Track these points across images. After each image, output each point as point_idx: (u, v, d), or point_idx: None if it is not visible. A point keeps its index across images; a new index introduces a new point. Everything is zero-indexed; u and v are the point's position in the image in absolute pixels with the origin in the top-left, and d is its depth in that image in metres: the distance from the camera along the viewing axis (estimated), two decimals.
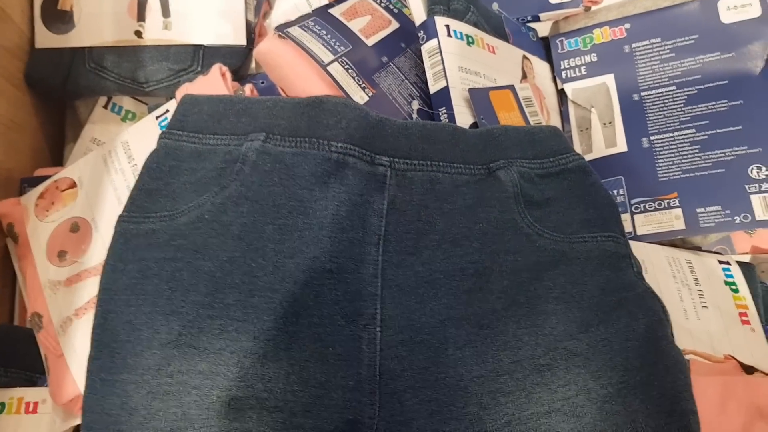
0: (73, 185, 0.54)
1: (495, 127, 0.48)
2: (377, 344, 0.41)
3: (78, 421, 0.50)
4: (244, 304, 0.40)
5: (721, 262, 0.58)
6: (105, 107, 0.64)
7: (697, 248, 0.61)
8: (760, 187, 0.56)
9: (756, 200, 0.55)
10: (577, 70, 0.65)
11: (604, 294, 0.43)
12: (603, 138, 0.62)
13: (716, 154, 0.58)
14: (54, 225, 0.53)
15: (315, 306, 0.41)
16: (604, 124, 0.63)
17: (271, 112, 0.44)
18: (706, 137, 0.59)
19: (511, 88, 0.58)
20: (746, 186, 0.56)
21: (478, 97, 0.55)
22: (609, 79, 0.64)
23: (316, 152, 0.43)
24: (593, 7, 0.67)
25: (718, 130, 0.58)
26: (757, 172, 0.56)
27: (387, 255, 0.43)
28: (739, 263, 0.58)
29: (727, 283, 0.56)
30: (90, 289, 0.50)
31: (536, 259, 0.44)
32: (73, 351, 0.49)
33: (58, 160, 0.66)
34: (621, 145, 0.61)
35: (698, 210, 0.57)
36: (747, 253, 0.62)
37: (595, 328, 0.41)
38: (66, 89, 0.61)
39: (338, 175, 0.43)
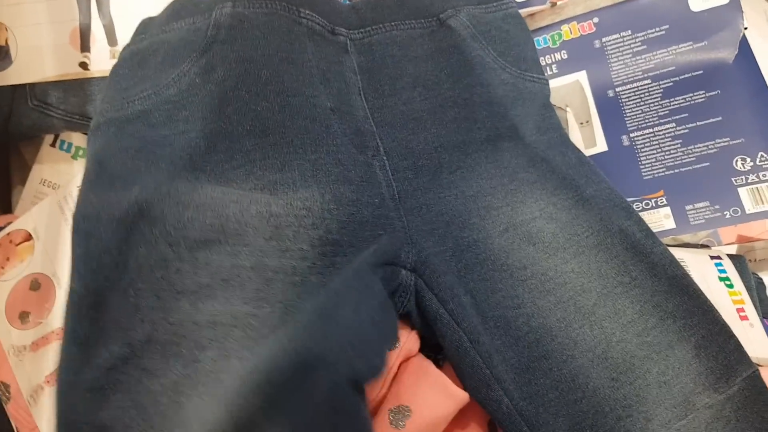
0: (29, 237, 0.50)
1: None
2: (388, 170, 0.46)
3: None
4: (261, 144, 0.42)
5: (712, 257, 0.57)
6: (53, 145, 0.60)
7: (686, 244, 0.60)
8: (747, 179, 0.55)
9: (744, 193, 0.55)
10: (548, 68, 0.63)
11: (540, 133, 0.51)
12: (582, 139, 0.61)
13: (699, 147, 0.57)
14: (11, 283, 0.49)
15: (328, 137, 0.44)
16: (581, 123, 0.61)
17: None
18: (687, 131, 0.58)
19: None
20: (732, 179, 0.55)
21: None
22: (581, 76, 0.62)
23: (287, 15, 0.46)
24: (559, 2, 0.65)
25: (699, 123, 0.58)
26: (742, 164, 0.55)
27: (370, 102, 0.48)
28: (730, 256, 0.58)
29: (721, 279, 0.56)
30: (58, 353, 0.46)
31: (503, 93, 0.51)
32: (46, 423, 0.45)
33: (6, 207, 0.61)
34: (601, 145, 0.60)
35: (687, 207, 0.56)
36: (733, 243, 0.62)
37: (540, 162, 0.49)
38: (9, 130, 0.56)
39: (311, 37, 0.47)
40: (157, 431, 0.34)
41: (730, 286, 0.55)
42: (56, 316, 0.47)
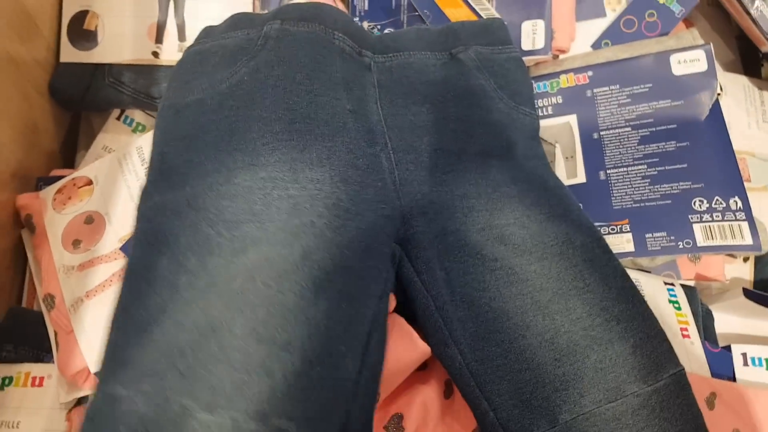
0: (90, 183, 0.60)
1: (455, 23, 0.65)
2: (393, 161, 0.55)
3: (81, 394, 0.55)
4: (288, 129, 0.51)
5: (666, 283, 0.65)
6: (118, 119, 0.71)
7: (647, 271, 0.68)
8: (702, 217, 0.63)
9: (697, 228, 0.63)
10: (544, 110, 0.73)
11: (526, 159, 0.59)
12: (565, 170, 0.70)
13: (664, 187, 0.65)
14: (70, 217, 0.58)
15: (344, 130, 0.53)
16: (567, 158, 0.70)
17: (281, 10, 0.57)
18: (656, 172, 0.66)
19: None
20: (689, 216, 0.63)
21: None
22: (572, 119, 0.72)
23: (323, 35, 0.56)
24: (561, 56, 0.76)
25: (667, 167, 0.66)
26: (699, 204, 0.64)
27: (384, 110, 0.57)
28: (683, 286, 0.65)
29: (670, 301, 0.63)
30: (101, 274, 0.55)
31: (498, 118, 0.60)
32: (82, 328, 0.53)
33: (70, 165, 0.71)
34: (581, 177, 0.69)
35: (647, 235, 0.64)
36: (691, 280, 0.69)
37: (522, 182, 0.57)
38: (85, 100, 0.68)
39: (341, 54, 0.56)
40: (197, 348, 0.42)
41: (678, 308, 0.63)
42: (102, 246, 0.57)
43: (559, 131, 0.72)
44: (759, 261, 0.73)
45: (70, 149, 0.72)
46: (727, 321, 0.67)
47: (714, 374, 0.60)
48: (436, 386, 0.53)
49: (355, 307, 0.47)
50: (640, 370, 0.51)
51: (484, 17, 0.72)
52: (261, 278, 0.44)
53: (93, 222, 0.58)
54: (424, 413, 0.52)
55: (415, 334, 0.52)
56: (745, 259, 0.74)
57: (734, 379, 0.61)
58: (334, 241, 0.48)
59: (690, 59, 0.70)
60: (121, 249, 0.56)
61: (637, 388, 0.50)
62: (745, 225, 0.62)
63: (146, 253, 0.47)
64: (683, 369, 0.51)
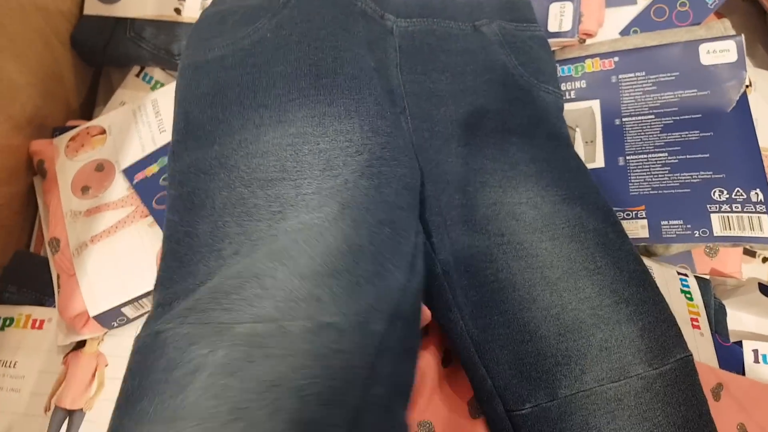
0: (103, 132, 0.60)
1: None
2: (410, 124, 0.55)
3: (79, 338, 0.54)
4: (315, 84, 0.50)
5: (679, 273, 0.63)
6: (137, 75, 0.71)
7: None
8: (720, 207, 0.61)
9: (715, 218, 0.61)
10: (567, 93, 0.72)
11: (548, 138, 0.58)
12: (584, 155, 0.68)
13: (684, 176, 0.64)
14: (81, 164, 0.58)
15: (371, 84, 0.52)
16: (586, 142, 0.69)
17: None
18: (676, 161, 0.65)
19: None
20: (708, 205, 0.62)
21: None
22: (595, 104, 0.70)
23: None
24: (587, 41, 0.74)
25: (688, 156, 0.64)
26: (719, 194, 0.62)
27: (404, 75, 0.57)
28: (696, 277, 0.64)
29: (683, 291, 0.61)
30: (107, 220, 0.55)
31: (517, 95, 0.59)
32: (84, 272, 0.53)
33: (88, 118, 0.72)
34: (599, 162, 0.67)
35: (662, 222, 0.62)
36: (707, 274, 0.67)
37: (541, 161, 0.56)
38: (105, 53, 0.68)
39: (363, 16, 0.57)
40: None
41: (690, 298, 0.61)
42: (110, 193, 0.57)
43: (581, 116, 0.71)
44: None
45: (88, 103, 0.72)
46: (740, 318, 0.66)
47: (723, 368, 0.59)
48: (435, 354, 0.52)
49: (398, 233, 0.47)
50: (646, 352, 0.50)
51: None
52: (302, 238, 0.44)
53: (103, 170, 0.58)
54: (420, 379, 0.51)
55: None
56: (765, 260, 0.72)
57: (743, 375, 0.59)
58: (370, 185, 0.47)
59: (720, 49, 0.68)
60: (134, 187, 0.56)
61: (642, 370, 0.49)
62: (765, 218, 0.60)
63: (184, 217, 0.47)
64: (691, 355, 0.50)
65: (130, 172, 0.57)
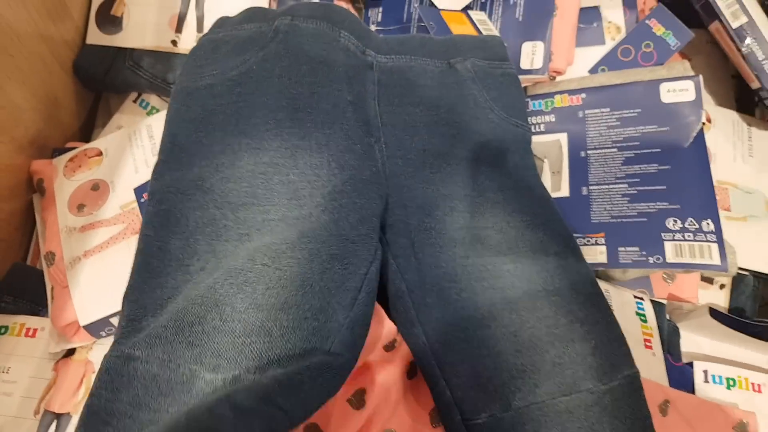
0: (100, 154, 0.64)
1: (457, 36, 0.70)
2: (384, 153, 0.59)
3: (70, 346, 0.58)
4: (291, 117, 0.55)
5: (636, 297, 0.67)
6: (134, 101, 0.75)
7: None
8: (674, 236, 0.66)
9: (669, 246, 0.65)
10: (537, 126, 0.76)
11: (516, 169, 0.62)
12: (550, 184, 0.73)
13: (641, 206, 0.68)
14: (78, 183, 0.63)
15: (344, 119, 0.57)
16: (553, 172, 0.74)
17: (293, 7, 0.61)
18: (635, 192, 0.69)
19: (465, 11, 0.77)
20: (662, 234, 0.66)
21: (429, 12, 0.79)
22: (563, 137, 0.75)
23: (330, 33, 0.60)
24: (557, 78, 0.79)
25: (647, 188, 0.69)
26: (674, 224, 0.66)
27: (381, 107, 0.61)
28: (652, 301, 0.68)
29: (638, 314, 0.65)
30: (100, 236, 0.59)
31: (488, 128, 0.64)
32: (76, 284, 0.57)
33: (86, 140, 0.76)
34: (564, 191, 0.72)
35: (619, 248, 0.66)
36: (664, 299, 0.71)
37: (508, 190, 0.60)
38: (105, 80, 0.72)
39: (345, 51, 0.60)
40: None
41: (644, 320, 0.65)
42: (104, 211, 0.61)
43: (549, 148, 0.75)
44: (735, 289, 0.76)
45: (87, 126, 0.77)
46: (694, 340, 0.69)
47: (673, 386, 0.62)
48: (400, 367, 0.56)
49: (347, 268, 0.51)
50: (597, 369, 0.53)
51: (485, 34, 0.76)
52: (260, 260, 0.49)
53: (99, 189, 0.62)
54: (386, 390, 0.54)
55: (383, 313, 0.55)
56: (722, 286, 0.76)
57: (693, 394, 0.63)
58: (330, 219, 0.52)
59: (679, 89, 0.73)
60: (135, 190, 0.62)
61: (592, 385, 0.52)
62: (714, 246, 0.64)
63: (159, 233, 0.51)
64: (638, 372, 0.54)
65: (138, 192, 0.61)
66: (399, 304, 0.55)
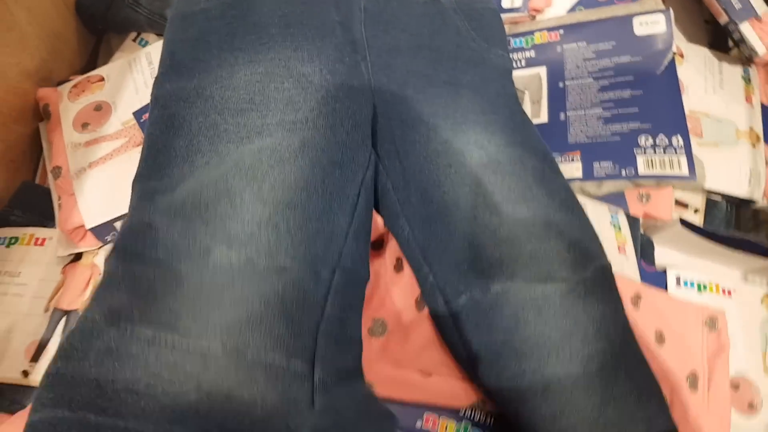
0: (102, 79, 0.68)
1: None
2: (370, 71, 0.62)
3: (76, 250, 0.62)
4: (283, 33, 0.59)
5: (611, 211, 0.71)
6: (134, 40, 0.79)
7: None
8: (645, 151, 0.70)
9: (640, 159, 0.69)
10: (518, 62, 0.80)
11: (497, 95, 0.65)
12: (530, 111, 0.77)
13: (615, 126, 0.72)
14: (82, 105, 0.66)
15: (333, 35, 0.61)
16: (533, 102, 0.78)
17: None
18: (610, 115, 0.73)
19: None
20: (634, 149, 0.70)
21: None
22: (542, 70, 0.79)
23: None
24: (537, 17, 0.83)
25: (620, 111, 0.73)
26: (645, 141, 0.70)
27: (367, 31, 0.64)
28: (627, 216, 0.72)
29: (612, 224, 0.69)
30: (103, 150, 0.63)
31: (469, 55, 0.67)
32: (82, 192, 0.61)
33: None
34: (543, 118, 0.76)
35: (594, 164, 0.70)
36: (639, 217, 0.75)
37: (490, 113, 0.63)
38: (107, 17, 0.76)
39: None
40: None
41: (618, 230, 0.69)
42: (107, 127, 0.65)
43: (530, 81, 0.79)
44: (709, 214, 0.79)
45: (90, 66, 0.81)
46: (668, 254, 0.73)
47: None
48: (388, 261, 0.60)
49: (345, 173, 0.55)
50: (571, 262, 0.57)
51: None
52: (267, 161, 0.53)
53: (101, 109, 0.66)
54: (376, 280, 0.58)
55: (373, 210, 0.59)
56: (696, 211, 0.80)
57: None
58: (326, 125, 0.56)
59: (651, 21, 0.77)
60: (134, 113, 0.65)
61: (566, 275, 0.56)
62: (683, 159, 0.68)
63: (164, 134, 0.55)
64: (610, 264, 0.57)
65: (138, 114, 0.65)
66: (385, 198, 0.59)
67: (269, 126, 0.55)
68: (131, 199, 0.52)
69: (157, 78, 0.59)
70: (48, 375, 0.39)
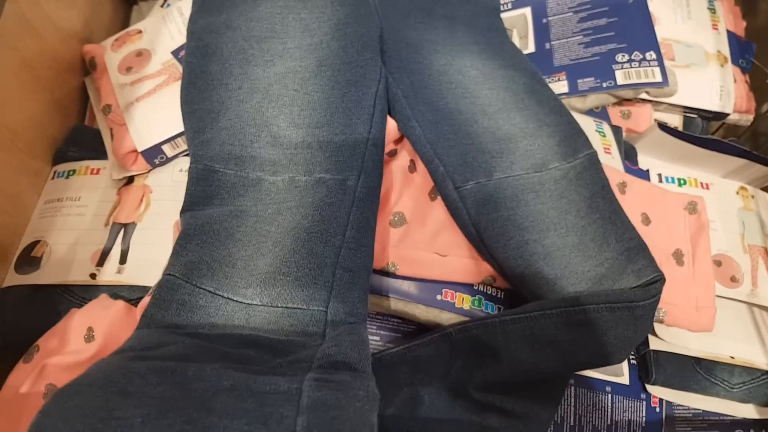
0: (140, 32, 0.77)
1: None
2: (377, 6, 0.74)
3: (129, 173, 0.70)
4: None
5: (595, 121, 0.80)
6: (162, 6, 0.88)
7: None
8: (623, 66, 0.79)
9: (619, 73, 0.78)
10: (506, 5, 0.90)
11: (489, 29, 0.77)
12: (518, 44, 0.86)
13: (594, 49, 0.81)
14: (124, 53, 0.75)
15: None
16: (521, 37, 0.87)
17: None
18: (589, 40, 0.82)
19: None
20: (613, 65, 0.79)
21: None
22: (527, 10, 0.88)
23: None
24: None
25: (598, 35, 0.82)
26: (622, 57, 0.79)
27: None
28: (610, 125, 0.80)
29: (597, 131, 0.78)
30: (147, 87, 0.72)
31: (475, 11, 0.77)
32: (132, 121, 0.70)
33: None
34: (531, 48, 0.85)
35: (578, 80, 0.79)
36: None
37: (483, 44, 0.75)
38: None
39: None
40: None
41: (603, 136, 0.77)
42: (149, 68, 0.73)
43: (516, 20, 0.88)
44: (686, 130, 0.88)
45: (124, 23, 0.90)
46: (649, 162, 0.82)
47: None
48: (402, 162, 0.68)
49: (360, 89, 0.65)
50: (562, 153, 0.66)
51: None
52: (291, 85, 0.63)
53: (142, 55, 0.75)
54: (392, 181, 0.67)
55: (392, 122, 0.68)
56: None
57: None
58: (339, 46, 0.66)
59: None
60: (172, 53, 0.73)
61: (558, 163, 0.65)
62: (657, 69, 0.77)
63: (200, 61, 0.66)
64: (596, 152, 0.66)
65: (176, 52, 0.74)
66: (397, 104, 0.68)
67: (290, 50, 0.65)
68: (186, 135, 0.63)
69: (190, 17, 0.68)
70: (144, 316, 0.51)
